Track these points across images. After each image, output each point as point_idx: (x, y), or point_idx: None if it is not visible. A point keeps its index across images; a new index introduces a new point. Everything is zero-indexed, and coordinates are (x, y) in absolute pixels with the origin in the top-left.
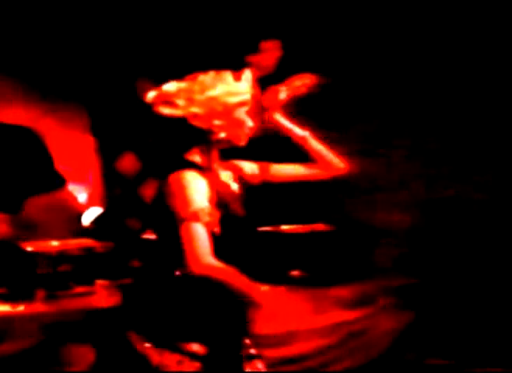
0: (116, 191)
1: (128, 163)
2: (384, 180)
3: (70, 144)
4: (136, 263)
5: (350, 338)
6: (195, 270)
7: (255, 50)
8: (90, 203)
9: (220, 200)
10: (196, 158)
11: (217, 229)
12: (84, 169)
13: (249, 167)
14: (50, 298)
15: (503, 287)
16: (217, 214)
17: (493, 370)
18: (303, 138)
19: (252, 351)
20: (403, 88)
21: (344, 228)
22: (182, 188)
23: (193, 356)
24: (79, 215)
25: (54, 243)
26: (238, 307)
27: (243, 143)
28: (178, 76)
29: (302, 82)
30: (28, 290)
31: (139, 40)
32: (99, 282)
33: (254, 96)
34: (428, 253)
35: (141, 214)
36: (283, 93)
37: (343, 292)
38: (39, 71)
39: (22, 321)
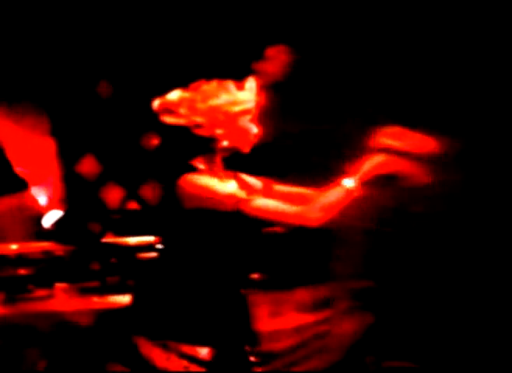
0: (76, 194)
1: (88, 166)
2: None
3: (30, 146)
4: (96, 266)
5: (311, 341)
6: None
7: (261, 57)
8: (51, 206)
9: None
10: (201, 166)
11: None
12: (44, 172)
13: (252, 182)
14: (10, 300)
15: (460, 288)
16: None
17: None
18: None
19: (252, 359)
20: (403, 89)
21: (302, 230)
22: (201, 187)
23: (199, 362)
24: (39, 218)
25: (14, 246)
26: (241, 307)
27: (247, 150)
28: (184, 84)
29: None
30: None
31: (143, 46)
32: (59, 285)
33: (258, 104)
34: (386, 256)
35: (101, 217)
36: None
37: (303, 295)
38: None
39: None
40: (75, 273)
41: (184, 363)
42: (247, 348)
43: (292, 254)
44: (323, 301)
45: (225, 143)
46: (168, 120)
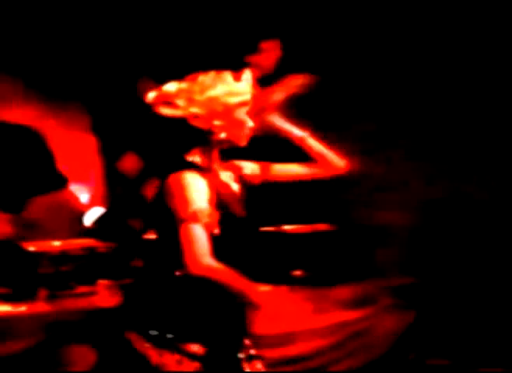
0: (118, 191)
1: (130, 163)
2: (385, 180)
3: (72, 144)
4: (138, 263)
5: (351, 338)
6: (194, 270)
7: (255, 50)
8: (92, 203)
9: (220, 200)
10: (196, 158)
11: (216, 230)
12: (86, 169)
13: (249, 167)
14: (52, 297)
15: (504, 287)
16: (216, 215)
17: (494, 370)
18: (302, 139)
19: (252, 352)
20: (403, 89)
21: (346, 227)
22: (182, 188)
23: (192, 356)
24: (81, 215)
25: (56, 243)
26: (238, 307)
27: (243, 143)
28: (179, 76)
29: (296, 83)
30: (30, 290)
31: (140, 40)
32: (102, 282)
33: (254, 96)
34: (429, 253)
35: (143, 214)
36: (278, 94)
37: (344, 292)
38: (40, 70)
39: (23, 321)
40: (117, 270)
41: (177, 357)
42: (247, 342)
43: (334, 251)
44: (365, 298)
45: (222, 135)
46: (165, 111)
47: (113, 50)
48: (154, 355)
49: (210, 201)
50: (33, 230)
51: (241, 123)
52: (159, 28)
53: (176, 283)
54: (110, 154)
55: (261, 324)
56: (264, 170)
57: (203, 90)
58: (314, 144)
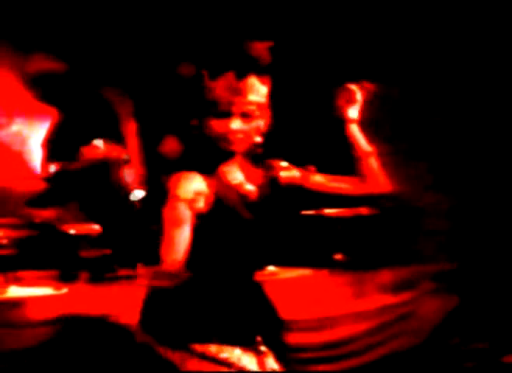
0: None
1: (171, 147)
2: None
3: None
4: None
5: (393, 323)
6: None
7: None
8: (133, 186)
9: (224, 203)
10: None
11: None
12: (128, 153)
13: (288, 171)
14: (94, 280)
15: None
16: (208, 197)
17: None
18: (366, 153)
19: (263, 348)
20: (404, 89)
21: (388, 211)
22: (176, 182)
23: (205, 357)
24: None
25: (96, 227)
26: (248, 304)
27: (234, 147)
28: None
29: (367, 88)
30: (72, 272)
31: (181, 25)
32: (142, 266)
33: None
34: (472, 237)
35: None
36: (359, 94)
37: (386, 276)
38: (81, 56)
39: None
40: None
41: (207, 364)
42: (258, 338)
43: (375, 235)
44: (406, 283)
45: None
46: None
47: (153, 35)
48: (175, 358)
49: (206, 194)
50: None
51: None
52: (198, 13)
53: (187, 281)
54: (150, 138)
55: (300, 308)
56: (304, 178)
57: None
58: (372, 161)
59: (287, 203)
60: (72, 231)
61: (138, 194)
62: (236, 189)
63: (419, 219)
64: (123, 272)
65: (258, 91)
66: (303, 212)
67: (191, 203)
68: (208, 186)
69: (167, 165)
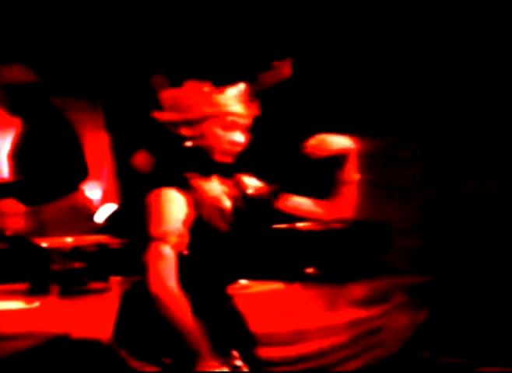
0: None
1: (143, 160)
2: (397, 178)
3: (84, 141)
4: None
5: (364, 336)
6: (156, 290)
7: (267, 67)
8: (104, 199)
9: (202, 217)
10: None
11: (186, 251)
12: (98, 166)
13: (257, 189)
14: (65, 293)
15: None
16: (187, 236)
17: (506, 369)
18: (351, 181)
19: (238, 363)
20: (405, 89)
21: (358, 225)
22: (157, 206)
23: (179, 370)
24: (93, 213)
25: (69, 239)
26: (223, 319)
27: (224, 158)
28: (193, 74)
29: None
30: (43, 285)
31: (155, 38)
32: (114, 278)
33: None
34: (442, 250)
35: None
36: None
37: (358, 290)
38: (52, 67)
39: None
40: (129, 267)
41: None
42: (234, 353)
43: (347, 248)
44: (378, 296)
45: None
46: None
47: (126, 47)
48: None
49: (185, 220)
50: (46, 227)
51: (217, 136)
52: (174, 27)
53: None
54: (122, 151)
55: (273, 322)
56: (271, 197)
57: (184, 97)
58: (352, 188)
59: (259, 217)
60: (44, 245)
61: (107, 209)
62: (213, 202)
63: (390, 233)
64: (95, 285)
65: (257, 104)
66: (275, 226)
67: (175, 246)
68: (188, 204)
69: (141, 178)
